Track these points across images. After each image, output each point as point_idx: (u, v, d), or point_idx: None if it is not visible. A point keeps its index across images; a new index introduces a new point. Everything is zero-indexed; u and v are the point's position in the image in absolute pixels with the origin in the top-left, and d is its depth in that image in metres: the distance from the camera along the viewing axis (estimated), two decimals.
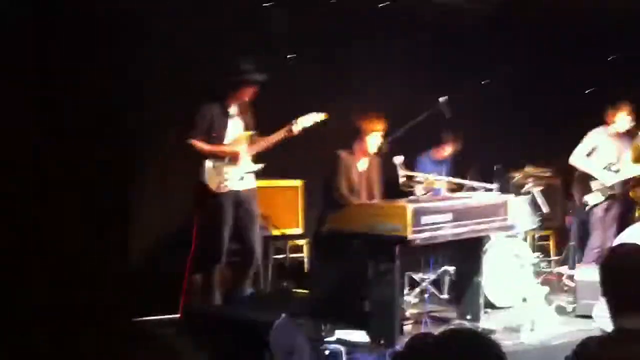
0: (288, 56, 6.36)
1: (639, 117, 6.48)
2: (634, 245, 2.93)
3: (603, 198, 6.47)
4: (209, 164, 5.16)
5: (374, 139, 5.46)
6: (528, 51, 7.53)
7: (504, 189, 5.98)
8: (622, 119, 6.41)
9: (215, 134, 5.18)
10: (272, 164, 5.43)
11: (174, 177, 5.68)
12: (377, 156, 5.59)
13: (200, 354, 3.94)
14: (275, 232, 6.03)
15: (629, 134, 6.53)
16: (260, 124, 5.41)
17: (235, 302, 5.25)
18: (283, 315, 4.05)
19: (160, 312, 5.33)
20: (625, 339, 2.53)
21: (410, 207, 4.69)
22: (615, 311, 2.62)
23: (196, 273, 5.25)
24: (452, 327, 1.99)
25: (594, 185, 6.49)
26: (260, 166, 5.32)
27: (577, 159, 6.53)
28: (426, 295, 5.78)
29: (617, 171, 6.46)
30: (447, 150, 6.90)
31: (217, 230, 5.12)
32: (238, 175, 5.21)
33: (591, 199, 6.49)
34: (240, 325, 4.15)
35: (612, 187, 6.45)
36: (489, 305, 5.64)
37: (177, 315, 5.13)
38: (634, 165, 6.50)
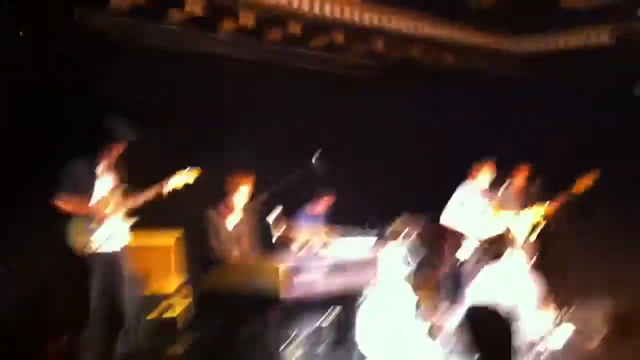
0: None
1: (499, 174, 6.85)
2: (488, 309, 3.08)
3: (472, 254, 6.70)
4: (74, 224, 4.94)
5: (240, 196, 5.52)
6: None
7: (382, 238, 6.12)
8: (485, 175, 6.76)
9: (82, 193, 4.97)
10: (151, 213, 5.28)
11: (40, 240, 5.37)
12: (247, 212, 5.60)
13: None
14: (149, 292, 5.86)
15: (491, 189, 6.88)
16: (132, 178, 5.26)
17: None
18: None
19: None
20: None
21: (282, 267, 4.69)
22: None
23: (62, 336, 5.01)
24: None
25: (464, 241, 6.74)
26: (131, 222, 5.16)
27: (445, 217, 6.79)
28: (302, 351, 5.76)
29: (485, 225, 6.76)
30: (323, 205, 6.99)
31: (84, 293, 4.90)
32: (106, 236, 5.02)
33: (462, 254, 6.73)
34: None
35: (482, 243, 6.73)
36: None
37: None
38: (496, 218, 6.84)
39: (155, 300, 5.98)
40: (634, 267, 6.00)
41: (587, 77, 7.65)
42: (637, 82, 6.31)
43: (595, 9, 7.53)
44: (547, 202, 7.04)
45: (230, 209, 5.56)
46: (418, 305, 6.37)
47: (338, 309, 5.59)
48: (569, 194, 7.04)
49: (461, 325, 2.89)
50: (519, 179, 7.27)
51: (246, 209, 5.58)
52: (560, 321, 5.16)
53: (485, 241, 6.75)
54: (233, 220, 5.57)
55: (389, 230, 6.78)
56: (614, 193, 7.17)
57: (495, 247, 6.60)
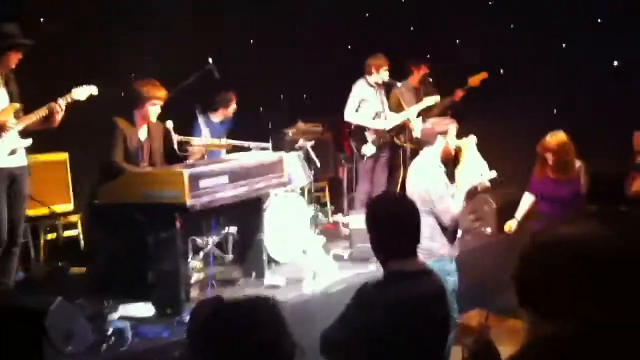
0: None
1: (395, 69, 6.95)
2: (395, 193, 3.16)
3: (375, 148, 6.91)
4: None
5: (155, 106, 5.17)
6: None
7: (277, 147, 6.11)
8: (381, 71, 6.84)
9: None
10: (35, 138, 4.99)
11: None
12: (159, 124, 5.29)
13: None
14: (44, 210, 5.63)
15: (386, 85, 7.02)
16: (26, 97, 4.94)
17: (4, 288, 4.82)
18: (58, 298, 3.81)
19: None
20: (393, 280, 2.74)
21: (186, 173, 4.61)
22: (384, 256, 2.82)
23: None
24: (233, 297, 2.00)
25: (368, 136, 6.91)
26: (29, 141, 4.87)
27: (348, 114, 6.91)
28: (210, 259, 5.78)
29: (384, 119, 6.94)
30: (224, 113, 6.87)
31: None
32: (6, 151, 4.73)
33: (367, 149, 6.90)
34: (12, 313, 3.83)
35: (383, 136, 6.92)
36: (273, 261, 5.79)
37: None
38: (395, 113, 7.03)
39: (54, 218, 5.78)
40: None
41: None
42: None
43: None
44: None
45: (144, 119, 5.19)
46: (314, 219, 6.54)
47: (242, 214, 5.63)
48: (465, 87, 7.32)
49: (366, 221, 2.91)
50: (416, 74, 7.41)
51: (158, 120, 5.25)
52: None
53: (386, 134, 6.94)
54: (144, 132, 5.23)
55: (286, 137, 6.82)
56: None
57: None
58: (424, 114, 6.84)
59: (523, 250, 1.54)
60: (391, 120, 6.97)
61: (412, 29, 8.16)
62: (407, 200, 2.97)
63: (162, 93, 5.18)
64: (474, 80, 7.30)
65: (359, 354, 2.68)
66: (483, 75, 7.28)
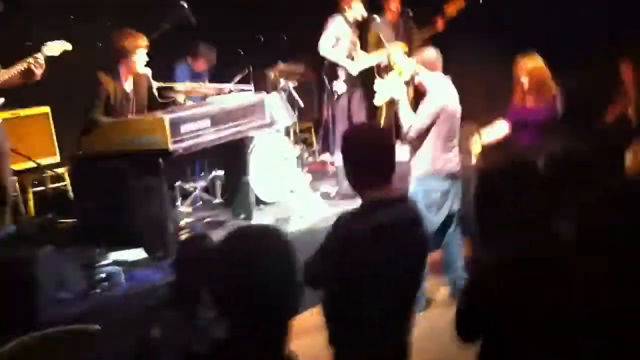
0: None
1: (372, 5, 6.84)
2: (368, 124, 3.21)
3: (346, 85, 6.77)
4: None
5: (140, 57, 5.06)
6: None
7: (259, 89, 6.10)
8: (358, 6, 6.70)
9: None
10: (14, 93, 4.95)
11: None
12: (143, 73, 5.18)
13: None
14: (30, 164, 5.65)
15: (364, 21, 6.90)
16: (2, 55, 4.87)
17: None
18: (48, 247, 3.88)
19: None
20: (369, 209, 2.80)
21: (167, 118, 4.64)
22: (359, 187, 2.87)
23: None
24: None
25: (340, 73, 6.77)
26: (1, 100, 4.85)
27: (323, 49, 6.73)
28: (199, 203, 5.85)
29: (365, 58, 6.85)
30: (204, 63, 6.81)
31: None
32: None
33: (339, 87, 6.78)
34: (2, 265, 3.90)
35: (356, 75, 6.83)
36: (260, 202, 5.85)
37: None
38: (373, 51, 6.94)
39: (40, 171, 5.80)
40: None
41: None
42: None
43: None
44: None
45: (130, 71, 5.08)
46: (299, 159, 6.57)
47: (227, 158, 5.66)
48: (442, 18, 7.15)
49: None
50: (392, 10, 7.28)
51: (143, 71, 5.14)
52: None
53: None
54: (130, 83, 5.15)
55: (267, 80, 6.79)
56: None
57: None
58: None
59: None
60: (362, 63, 6.84)
61: None
62: (379, 129, 3.00)
63: (144, 41, 5.08)
64: (451, 8, 7.12)
65: (340, 283, 2.75)
66: (460, 3, 7.10)
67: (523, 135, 5.04)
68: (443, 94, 4.76)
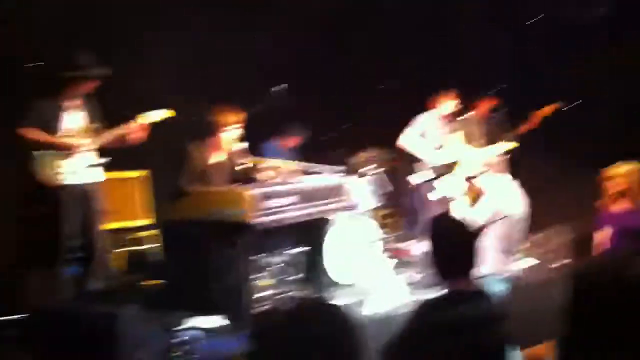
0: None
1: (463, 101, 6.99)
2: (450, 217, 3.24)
3: (425, 178, 6.81)
4: (42, 157, 4.89)
5: (231, 132, 5.27)
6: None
7: (349, 172, 6.24)
8: (447, 104, 6.89)
9: (48, 127, 4.92)
10: (119, 156, 5.27)
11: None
12: (233, 153, 5.37)
13: (48, 352, 3.83)
14: (118, 225, 5.93)
15: (454, 117, 7.01)
16: (108, 117, 5.23)
17: (82, 299, 5.09)
18: (131, 306, 4.02)
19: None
20: (451, 299, 2.80)
21: (250, 192, 4.80)
22: (441, 274, 2.89)
23: (37, 271, 5.04)
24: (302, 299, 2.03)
25: (416, 167, 6.89)
26: (103, 160, 5.16)
27: (406, 140, 6.89)
28: (279, 277, 5.92)
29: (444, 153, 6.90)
30: (293, 141, 7.06)
31: (56, 225, 4.91)
32: (77, 169, 5.01)
33: (414, 179, 6.89)
34: (87, 320, 4.05)
35: (437, 169, 6.86)
36: (338, 283, 5.86)
37: (19, 316, 4.87)
38: (462, 147, 6.99)
39: (124, 233, 6.05)
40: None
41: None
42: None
43: None
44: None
45: (216, 147, 5.31)
46: (383, 243, 6.57)
47: (308, 236, 5.75)
48: (530, 123, 7.24)
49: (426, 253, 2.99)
50: (481, 109, 7.38)
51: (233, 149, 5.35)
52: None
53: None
54: (216, 158, 5.34)
55: (355, 164, 6.92)
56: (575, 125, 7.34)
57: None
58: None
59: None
60: (451, 155, 6.86)
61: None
62: (461, 222, 3.04)
63: (234, 118, 5.27)
64: (546, 111, 7.21)
65: None
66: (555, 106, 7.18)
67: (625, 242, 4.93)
68: (499, 197, 4.82)
